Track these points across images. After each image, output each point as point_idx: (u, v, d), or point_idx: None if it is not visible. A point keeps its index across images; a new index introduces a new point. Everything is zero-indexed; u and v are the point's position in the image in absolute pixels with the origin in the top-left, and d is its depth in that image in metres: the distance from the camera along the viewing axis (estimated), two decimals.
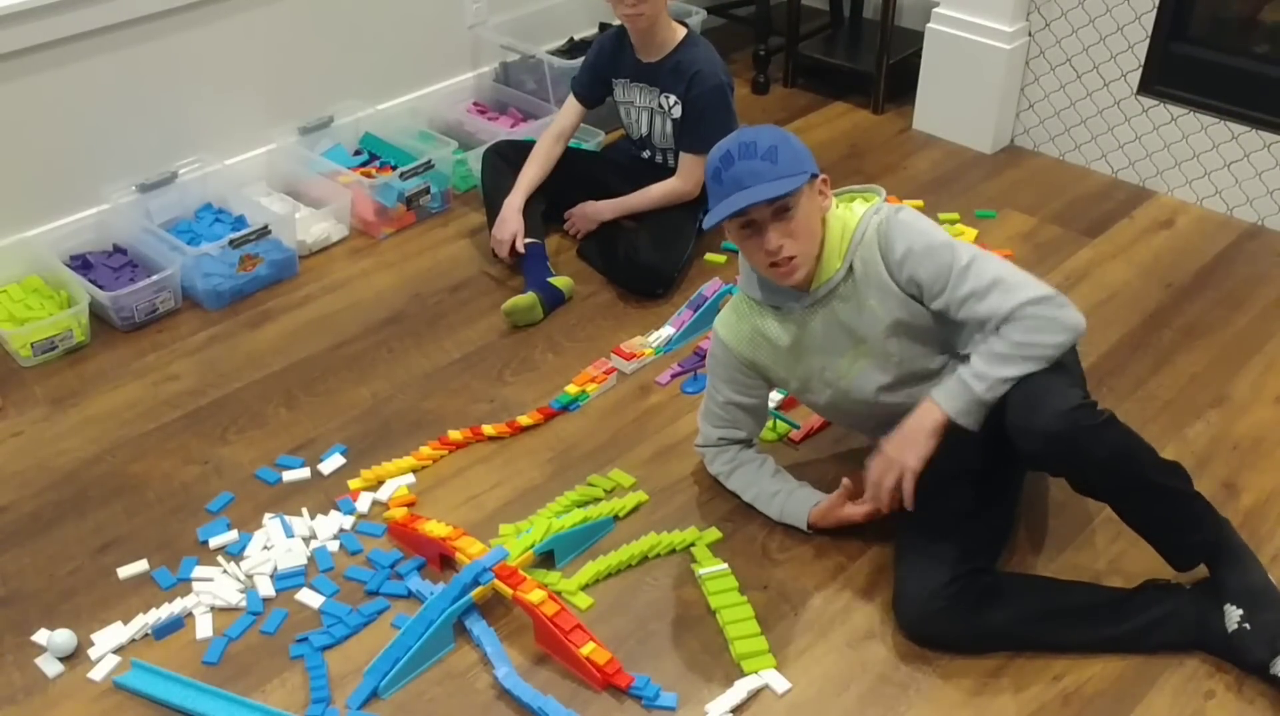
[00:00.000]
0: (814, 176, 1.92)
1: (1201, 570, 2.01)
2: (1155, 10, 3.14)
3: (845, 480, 2.12)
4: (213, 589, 2.12)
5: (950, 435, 1.95)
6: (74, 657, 2.02)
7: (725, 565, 2.15)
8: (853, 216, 1.99)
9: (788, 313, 2.06)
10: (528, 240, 2.94)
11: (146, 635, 2.06)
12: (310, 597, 2.12)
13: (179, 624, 2.08)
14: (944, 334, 2.01)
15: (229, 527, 2.27)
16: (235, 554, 2.22)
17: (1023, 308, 1.86)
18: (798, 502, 2.19)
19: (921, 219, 1.97)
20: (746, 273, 2.10)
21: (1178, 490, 1.94)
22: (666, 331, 2.77)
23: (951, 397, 1.91)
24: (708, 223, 1.92)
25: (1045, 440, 1.83)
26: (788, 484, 2.23)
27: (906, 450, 1.94)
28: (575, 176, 3.09)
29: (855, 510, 2.11)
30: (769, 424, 2.49)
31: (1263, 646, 1.88)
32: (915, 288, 1.94)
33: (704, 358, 2.68)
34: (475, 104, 3.69)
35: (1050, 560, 2.16)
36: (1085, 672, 1.96)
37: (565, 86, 3.20)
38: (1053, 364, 1.88)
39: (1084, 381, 2.08)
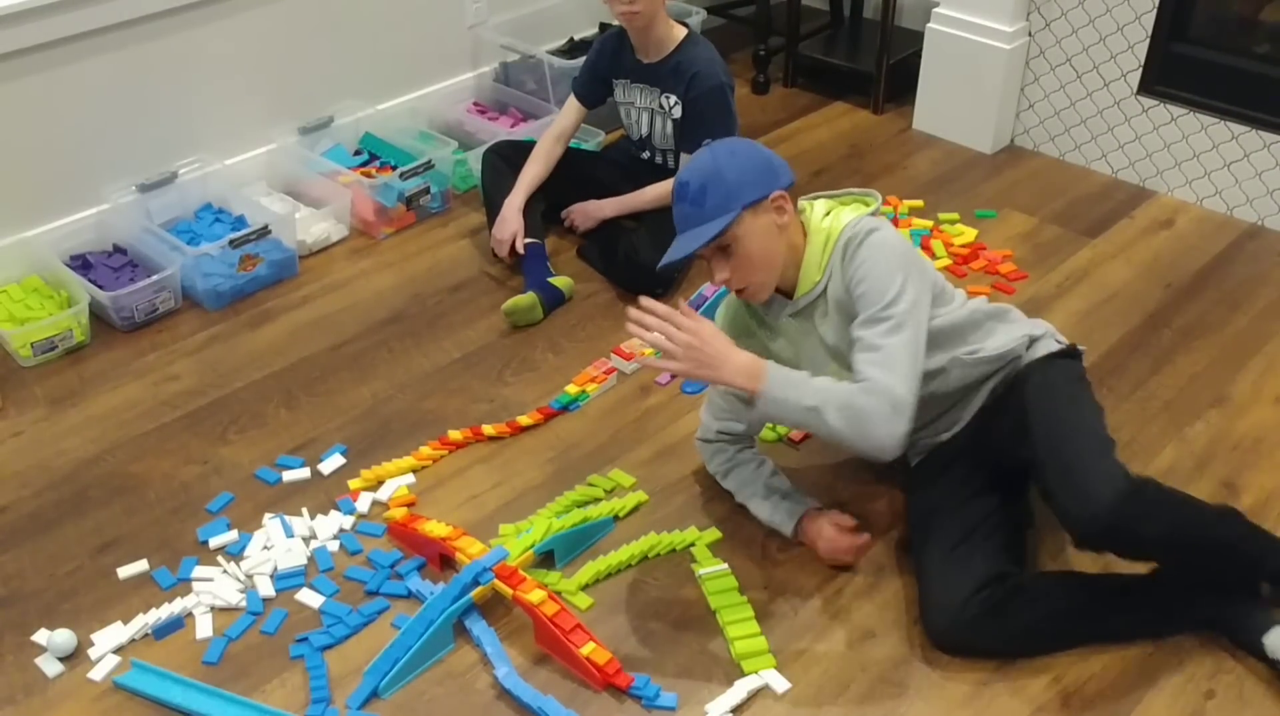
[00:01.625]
0: (756, 202, 1.88)
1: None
2: (1155, 10, 3.14)
3: (849, 519, 2.13)
4: (213, 589, 2.12)
5: (973, 436, 2.00)
6: (74, 657, 2.02)
7: (725, 565, 2.15)
8: (836, 222, 1.96)
9: (775, 318, 2.06)
10: (528, 240, 2.94)
11: (146, 635, 2.06)
12: (310, 597, 2.12)
13: (179, 624, 2.08)
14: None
15: (229, 527, 2.27)
16: (235, 554, 2.22)
17: (876, 388, 1.80)
18: (785, 511, 2.17)
19: (892, 246, 1.90)
20: None
21: (1233, 541, 1.91)
22: None
23: (783, 386, 1.85)
24: (662, 262, 1.95)
25: (1102, 532, 1.82)
26: (781, 488, 2.21)
27: (714, 365, 1.85)
28: (575, 176, 3.09)
29: (847, 542, 2.11)
30: (769, 425, 2.49)
31: None
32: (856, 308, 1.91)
33: None
34: (475, 104, 3.69)
35: (1053, 556, 2.15)
36: (1085, 672, 1.96)
37: (565, 86, 3.20)
38: (1077, 408, 1.94)
39: (1103, 416, 2.02)
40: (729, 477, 2.26)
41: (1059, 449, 1.88)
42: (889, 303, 1.85)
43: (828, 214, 1.99)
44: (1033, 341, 2.09)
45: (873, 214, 1.99)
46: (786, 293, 2.01)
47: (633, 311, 1.90)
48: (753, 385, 1.85)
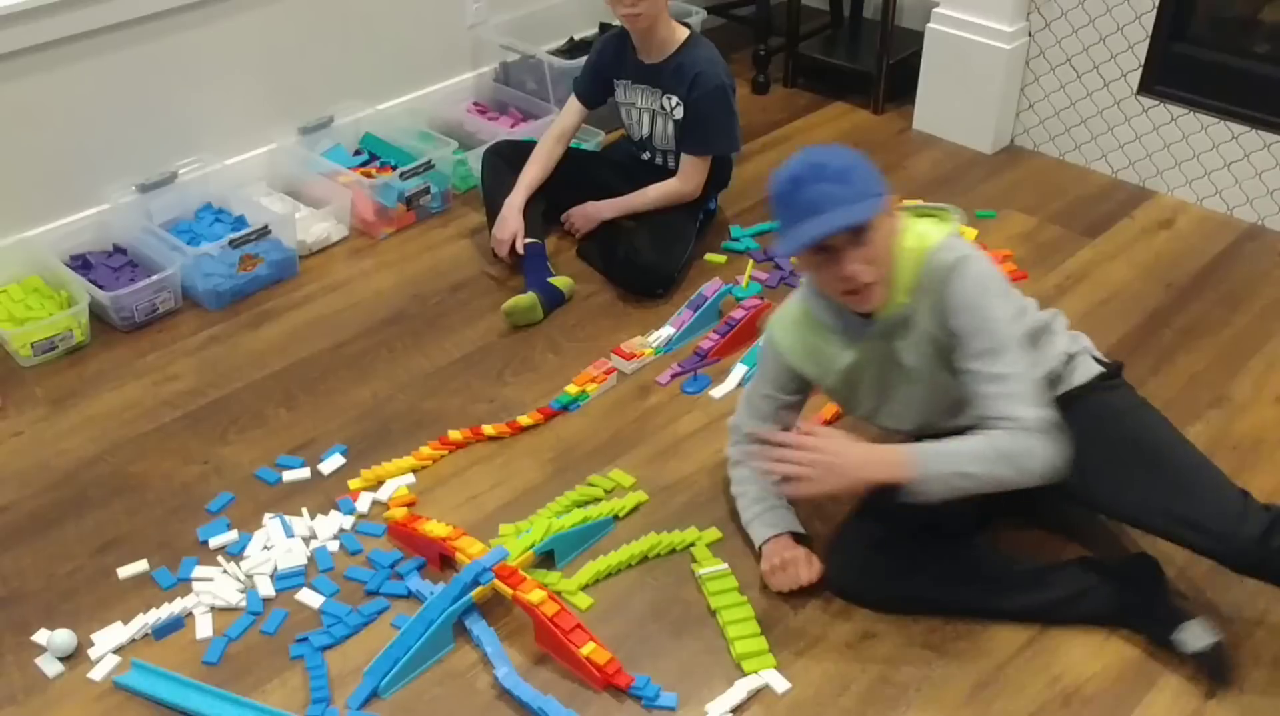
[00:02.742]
0: (886, 198, 1.81)
1: (1122, 546, 2.07)
2: (1155, 10, 3.14)
3: (813, 569, 2.06)
4: (213, 589, 2.12)
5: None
6: (74, 657, 2.02)
7: (725, 565, 2.15)
8: (924, 242, 1.87)
9: (851, 339, 1.97)
10: (528, 240, 2.94)
11: (146, 635, 2.06)
12: (310, 597, 2.12)
13: (179, 624, 2.08)
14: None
15: (229, 527, 2.27)
16: (235, 554, 2.22)
17: (1021, 424, 1.80)
18: (765, 523, 2.13)
19: (990, 274, 1.85)
20: (813, 291, 2.00)
21: None
22: (666, 331, 2.77)
23: (936, 463, 1.82)
24: (781, 250, 1.83)
25: (1256, 566, 1.85)
26: (772, 501, 2.15)
27: (852, 472, 1.84)
28: (575, 177, 3.09)
29: (802, 573, 2.05)
30: None
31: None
32: (954, 338, 1.87)
33: (704, 357, 2.69)
34: (475, 104, 3.69)
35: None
36: (1085, 672, 1.96)
37: (565, 86, 3.20)
38: (1163, 440, 1.93)
39: (1181, 436, 1.99)
40: (736, 469, 2.22)
41: (1176, 497, 1.86)
42: (998, 333, 1.82)
43: (908, 230, 1.90)
44: (1070, 359, 2.02)
45: (954, 230, 1.90)
46: (866, 315, 1.93)
47: (758, 461, 1.91)
48: (907, 474, 1.82)
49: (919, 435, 1.96)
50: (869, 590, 2.07)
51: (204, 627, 2.07)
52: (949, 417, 1.98)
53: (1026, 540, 2.18)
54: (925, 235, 1.88)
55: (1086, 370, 2.02)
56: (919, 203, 1.99)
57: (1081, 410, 1.95)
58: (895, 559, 2.04)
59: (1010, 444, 1.80)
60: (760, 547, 2.13)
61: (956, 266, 1.83)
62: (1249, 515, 1.83)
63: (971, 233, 3.13)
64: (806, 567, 2.05)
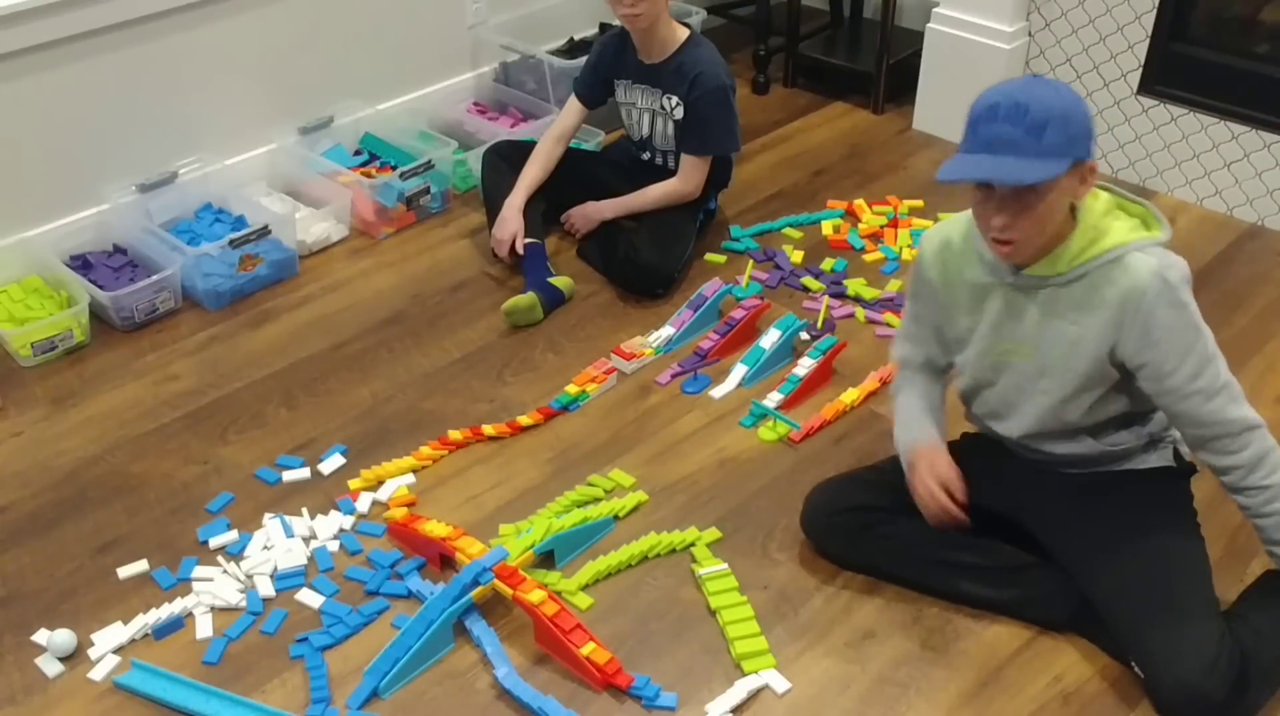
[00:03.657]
0: (1079, 162, 1.68)
1: None
2: (1155, 10, 3.14)
3: (960, 487, 1.98)
4: (213, 589, 2.12)
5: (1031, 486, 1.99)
6: (74, 657, 2.02)
7: (725, 565, 2.15)
8: (1114, 233, 1.77)
9: (991, 274, 1.87)
10: (528, 240, 2.94)
11: (146, 635, 2.06)
12: (310, 597, 2.12)
13: (179, 624, 2.08)
14: (1111, 402, 1.89)
15: (229, 527, 2.27)
16: (235, 554, 2.22)
17: (1255, 432, 1.81)
18: (919, 429, 2.04)
19: (1189, 291, 1.76)
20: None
21: None
22: (666, 331, 2.77)
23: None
24: (941, 175, 1.68)
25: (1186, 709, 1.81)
26: (923, 416, 2.05)
27: None
28: (575, 177, 3.09)
29: (941, 503, 1.96)
30: (769, 424, 2.49)
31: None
32: (1138, 364, 1.79)
33: (704, 357, 2.69)
34: (475, 104, 3.69)
35: None
36: (1085, 672, 1.96)
37: (565, 86, 3.20)
38: (1179, 558, 1.89)
39: (1206, 561, 1.93)
40: (899, 396, 2.12)
41: (1158, 608, 1.84)
42: (1200, 347, 1.77)
43: (1108, 212, 1.80)
44: (1152, 441, 1.97)
45: (1159, 243, 1.78)
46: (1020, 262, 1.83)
47: None
48: None
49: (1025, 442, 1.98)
50: (833, 545, 2.14)
51: (204, 627, 2.07)
52: (1060, 440, 1.95)
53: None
54: (1116, 222, 1.79)
55: (1163, 460, 1.98)
56: (1131, 195, 1.86)
57: (1136, 480, 1.96)
58: (866, 525, 2.08)
59: (1269, 442, 1.83)
60: (908, 453, 2.04)
61: (1164, 292, 1.73)
62: (1216, 671, 1.76)
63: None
64: (940, 494, 1.97)
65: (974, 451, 2.08)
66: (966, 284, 1.92)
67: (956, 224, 1.95)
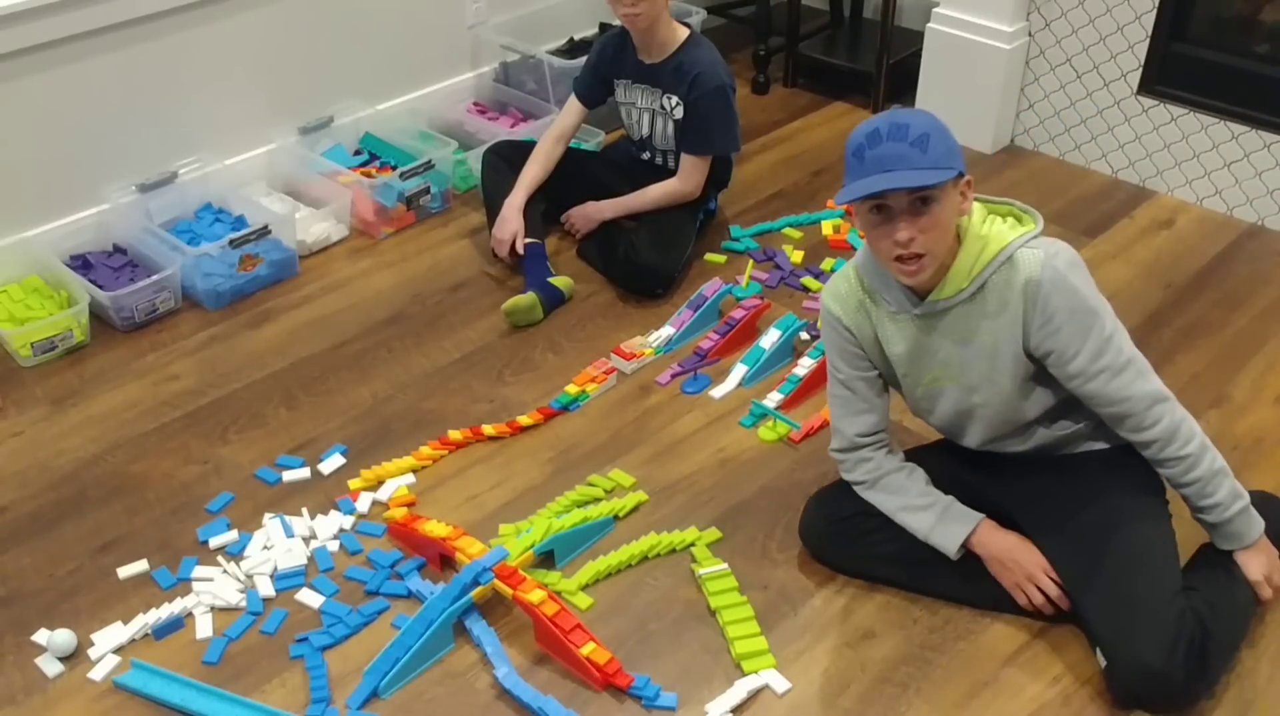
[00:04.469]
0: (960, 175, 1.77)
1: None
2: (1155, 10, 3.14)
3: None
4: (213, 589, 2.12)
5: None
6: (74, 657, 2.02)
7: (725, 565, 2.15)
8: (997, 237, 1.83)
9: (898, 314, 1.92)
10: (528, 240, 2.94)
11: (146, 635, 2.06)
12: (310, 597, 2.12)
13: (179, 624, 2.08)
14: (1045, 391, 1.92)
15: (229, 527, 2.27)
16: (235, 554, 2.22)
17: (1164, 405, 1.83)
18: (956, 517, 2.00)
19: (1082, 273, 1.82)
20: (866, 257, 1.94)
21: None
22: (666, 331, 2.77)
23: (1253, 525, 1.91)
24: (840, 198, 1.77)
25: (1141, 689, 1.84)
26: (942, 500, 2.03)
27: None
28: (575, 177, 3.09)
29: (1045, 584, 1.97)
30: (769, 424, 2.49)
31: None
32: (1044, 352, 1.83)
33: (704, 357, 2.69)
34: (475, 104, 3.69)
35: None
36: (1085, 672, 1.96)
37: (565, 86, 3.20)
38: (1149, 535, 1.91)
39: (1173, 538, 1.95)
40: (877, 488, 2.06)
41: (1118, 586, 1.86)
42: (1098, 327, 1.80)
43: (984, 220, 1.86)
44: (1101, 422, 1.97)
45: (1034, 236, 1.84)
46: (917, 292, 1.89)
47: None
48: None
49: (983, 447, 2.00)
50: (832, 553, 2.15)
51: (204, 627, 2.07)
52: (1016, 437, 1.98)
53: None
54: (997, 227, 1.85)
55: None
56: (1001, 199, 1.92)
57: (1101, 460, 1.98)
58: (864, 531, 2.08)
59: (1190, 425, 1.86)
60: (965, 545, 1.99)
61: (1054, 279, 1.78)
62: (1175, 652, 1.78)
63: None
64: (1038, 572, 1.97)
65: (951, 451, 2.11)
66: (872, 329, 1.97)
67: (849, 274, 1.99)
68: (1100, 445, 1.99)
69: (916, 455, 2.14)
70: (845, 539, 2.12)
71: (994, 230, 1.84)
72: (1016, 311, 1.82)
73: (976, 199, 1.88)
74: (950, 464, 2.09)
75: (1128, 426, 1.86)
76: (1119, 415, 1.85)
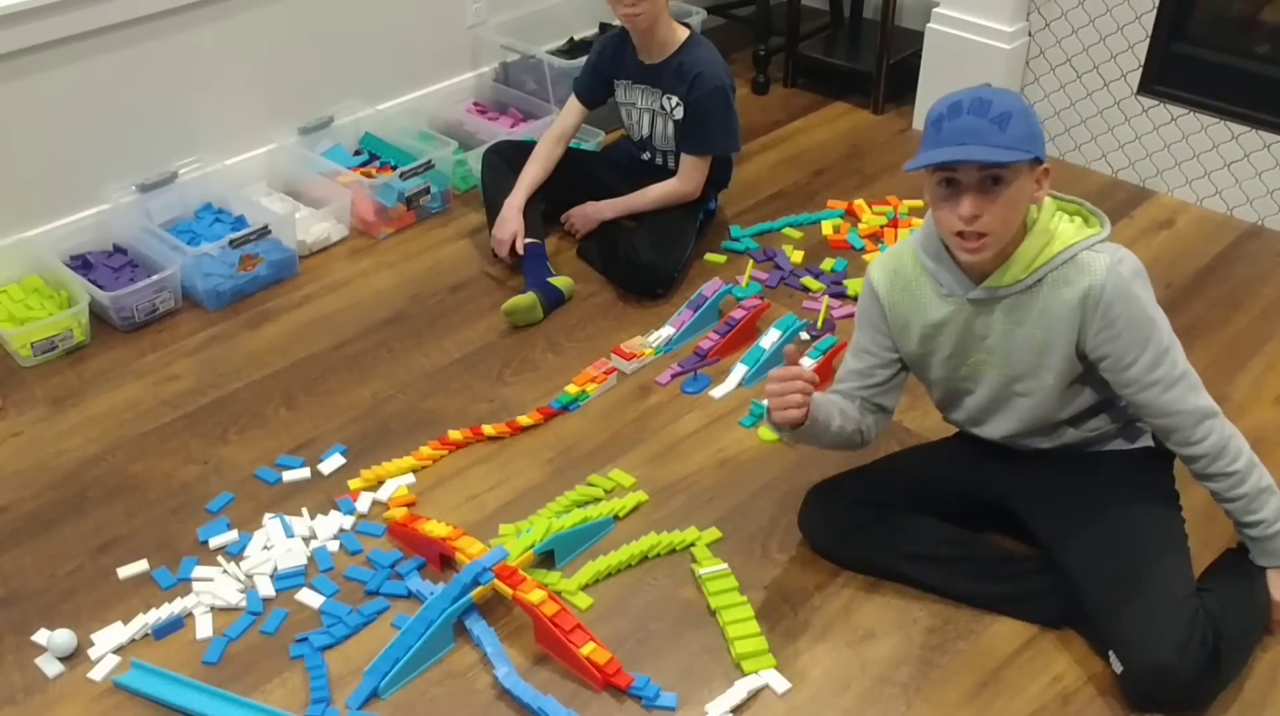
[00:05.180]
0: (1038, 161, 1.74)
1: None
2: (1155, 10, 3.14)
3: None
4: (213, 589, 2.12)
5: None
6: (74, 657, 2.02)
7: (725, 565, 2.15)
8: (1063, 234, 1.81)
9: (948, 294, 1.90)
10: (528, 240, 2.94)
11: (146, 635, 2.06)
12: (310, 597, 2.12)
13: (179, 624, 2.08)
14: (1085, 392, 1.92)
15: (229, 527, 2.27)
16: (235, 554, 2.22)
17: (1213, 421, 1.83)
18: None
19: (1145, 283, 1.81)
20: (928, 234, 1.91)
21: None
22: (666, 331, 2.77)
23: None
24: (910, 165, 1.74)
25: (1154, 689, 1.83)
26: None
27: None
28: (575, 177, 3.09)
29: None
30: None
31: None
32: (1099, 356, 1.82)
33: (704, 357, 2.69)
34: (475, 104, 3.69)
35: None
36: (1085, 672, 1.96)
37: (565, 86, 3.20)
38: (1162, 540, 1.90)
39: (1185, 542, 1.96)
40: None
41: (1132, 586, 1.85)
42: (1156, 337, 1.79)
43: (1053, 215, 1.84)
44: (1129, 422, 2.00)
45: (1101, 239, 1.82)
46: (972, 275, 1.86)
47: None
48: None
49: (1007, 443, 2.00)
50: (830, 543, 2.15)
51: (204, 627, 2.07)
52: (1042, 435, 1.97)
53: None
54: (1064, 224, 1.83)
55: (1145, 441, 2.01)
56: (1071, 197, 1.90)
57: (1117, 461, 1.99)
58: (863, 522, 2.09)
59: (1239, 440, 1.86)
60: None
61: (1119, 287, 1.77)
62: (1188, 651, 1.78)
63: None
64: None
65: (959, 447, 2.11)
66: (922, 307, 1.94)
67: (905, 250, 1.97)
68: (1121, 446, 1.99)
69: (923, 447, 2.13)
70: (844, 529, 2.12)
71: (1061, 227, 1.82)
72: (1074, 312, 1.80)
73: (1051, 195, 1.86)
74: (961, 452, 2.09)
75: (1175, 440, 1.86)
76: (1167, 428, 1.85)
